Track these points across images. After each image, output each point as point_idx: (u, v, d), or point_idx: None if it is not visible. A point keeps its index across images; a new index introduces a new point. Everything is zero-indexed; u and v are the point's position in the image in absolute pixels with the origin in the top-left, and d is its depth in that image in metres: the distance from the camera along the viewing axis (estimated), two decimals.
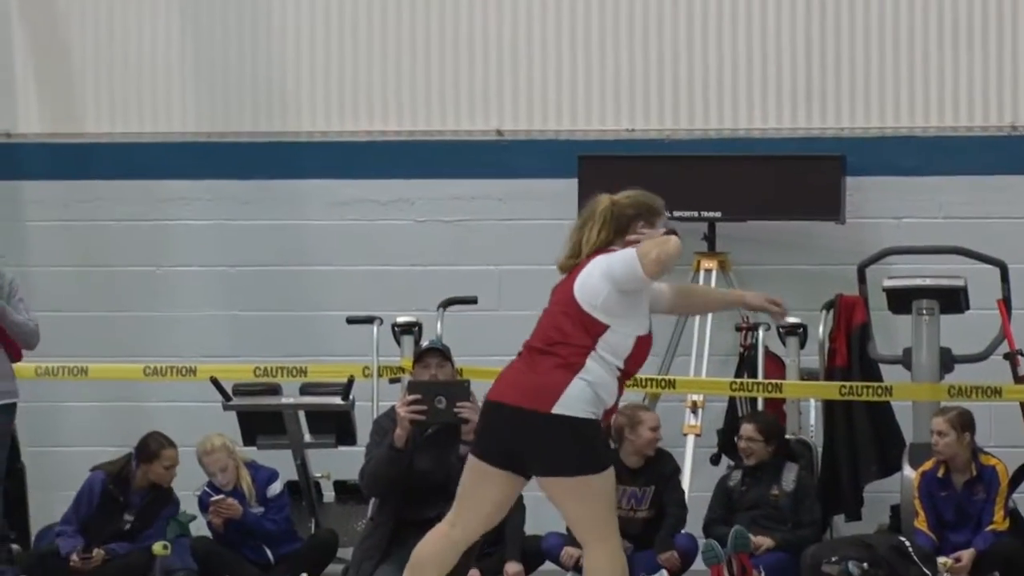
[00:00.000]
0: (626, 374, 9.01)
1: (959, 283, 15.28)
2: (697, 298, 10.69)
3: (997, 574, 14.58)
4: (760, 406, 15.37)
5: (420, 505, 12.92)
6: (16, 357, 13.74)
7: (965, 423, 14.63)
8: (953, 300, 15.41)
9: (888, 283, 15.27)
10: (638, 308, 9.01)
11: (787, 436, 15.35)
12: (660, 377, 15.53)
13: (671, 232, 8.96)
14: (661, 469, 14.44)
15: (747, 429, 14.51)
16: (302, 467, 15.72)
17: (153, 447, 14.64)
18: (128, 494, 14.85)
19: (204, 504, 14.61)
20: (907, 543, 13.98)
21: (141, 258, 17.29)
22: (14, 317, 13.54)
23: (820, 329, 15.39)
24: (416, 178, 16.59)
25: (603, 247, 8.89)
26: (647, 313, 9.11)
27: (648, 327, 9.01)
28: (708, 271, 16.08)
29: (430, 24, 17.13)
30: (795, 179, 16.55)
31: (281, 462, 15.61)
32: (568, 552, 14.68)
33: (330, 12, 17.27)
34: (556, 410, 8.88)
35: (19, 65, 17.74)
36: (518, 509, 14.84)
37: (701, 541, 14.30)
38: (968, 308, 15.58)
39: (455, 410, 13.09)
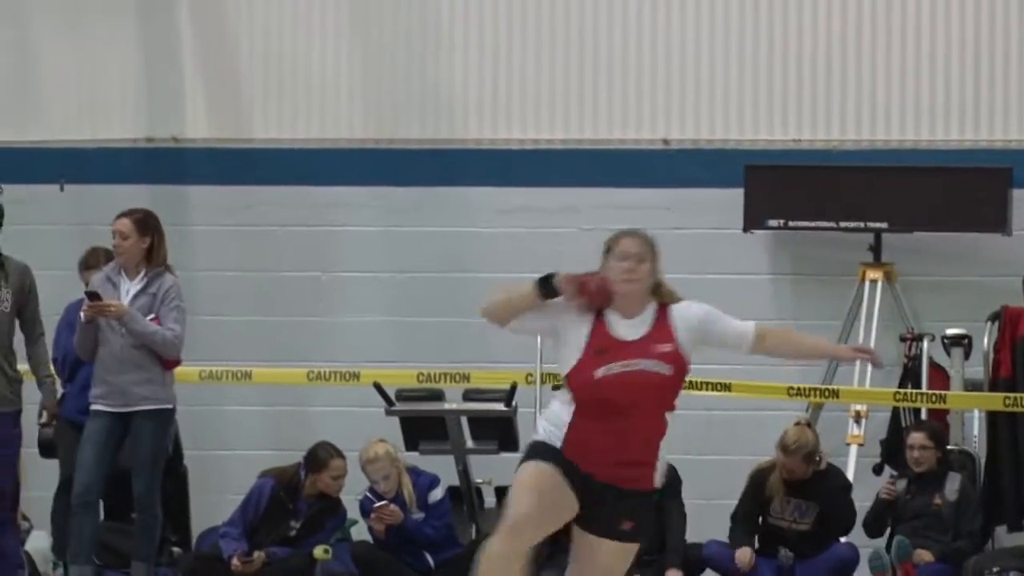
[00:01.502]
0: (578, 405, 8.77)
1: None
2: (789, 346, 10.10)
3: None
4: (924, 417, 15.32)
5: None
6: (167, 365, 13.91)
7: None
8: None
9: None
10: (559, 349, 8.99)
11: (949, 447, 15.41)
12: (824, 387, 15.58)
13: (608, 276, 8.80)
14: (829, 484, 14.63)
15: (917, 437, 14.59)
16: (464, 473, 15.81)
17: (322, 457, 14.88)
18: (296, 501, 15.10)
19: (366, 510, 14.74)
20: None
21: (306, 263, 17.63)
22: (136, 327, 13.73)
23: (984, 340, 15.28)
24: (582, 186, 16.68)
25: None
26: (572, 353, 8.79)
27: (573, 364, 8.68)
28: (873, 282, 16.07)
29: (599, 33, 17.26)
30: (962, 191, 16.58)
31: (443, 467, 15.71)
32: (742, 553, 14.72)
33: (498, 21, 17.47)
34: None
35: (187, 71, 18.11)
36: (680, 516, 15.11)
37: (864, 550, 14.23)
38: None
39: None
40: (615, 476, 8.66)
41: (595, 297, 8.64)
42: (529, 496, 8.55)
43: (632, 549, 9.08)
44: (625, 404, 8.58)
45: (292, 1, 18.40)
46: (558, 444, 8.52)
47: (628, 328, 8.58)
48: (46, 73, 18.64)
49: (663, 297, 8.68)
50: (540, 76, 17.81)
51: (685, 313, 8.69)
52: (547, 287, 8.62)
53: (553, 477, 8.52)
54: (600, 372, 8.54)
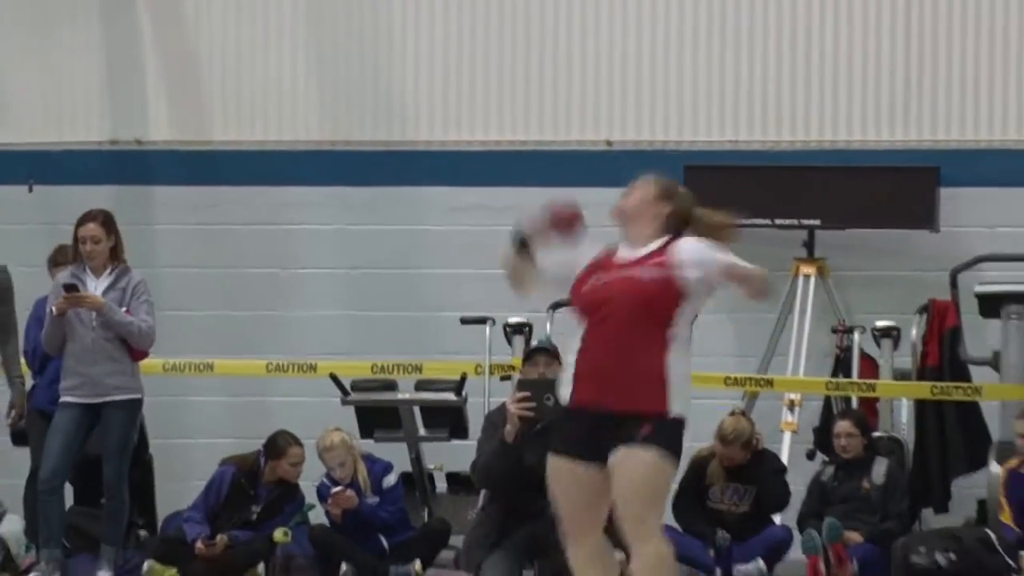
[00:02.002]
0: (579, 325, 9.52)
1: None
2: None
3: None
4: (855, 405, 15.98)
5: (528, 498, 13.17)
6: (136, 356, 14.35)
7: None
8: None
9: (979, 288, 15.91)
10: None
11: (879, 433, 15.95)
12: (759, 376, 16.35)
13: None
14: (765, 467, 15.03)
15: (843, 425, 15.10)
16: (416, 460, 16.32)
17: (281, 444, 15.19)
18: (257, 487, 15.40)
19: (323, 495, 14.99)
20: (993, 536, 14.48)
21: (266, 260, 18.16)
22: (115, 317, 14.17)
23: (913, 332, 16.07)
24: (529, 186, 16.64)
25: None
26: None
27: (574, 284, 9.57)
28: (807, 276, 16.57)
29: (544, 37, 17.93)
30: (892, 189, 17.06)
31: (396, 455, 16.06)
32: None
33: (448, 26, 18.02)
34: None
35: (150, 75, 18.64)
36: None
37: (797, 534, 14.83)
38: None
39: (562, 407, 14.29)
40: (611, 398, 9.02)
41: (560, 221, 9.19)
42: (563, 503, 9.26)
43: (652, 459, 9.15)
44: (601, 304, 9.10)
45: (250, 6, 18.78)
46: (567, 391, 9.12)
47: (627, 252, 9.17)
48: (13, 78, 18.98)
49: (691, 231, 9.16)
50: (490, 80, 18.37)
51: (687, 245, 9.08)
52: (519, 240, 9.23)
53: (571, 472, 9.12)
54: (587, 284, 9.19)
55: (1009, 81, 18.21)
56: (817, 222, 17.18)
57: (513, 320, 16.41)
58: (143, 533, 15.68)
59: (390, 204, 18.27)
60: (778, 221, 17.05)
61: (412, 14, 18.69)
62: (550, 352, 13.91)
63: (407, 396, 16.43)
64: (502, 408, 13.77)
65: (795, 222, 17.08)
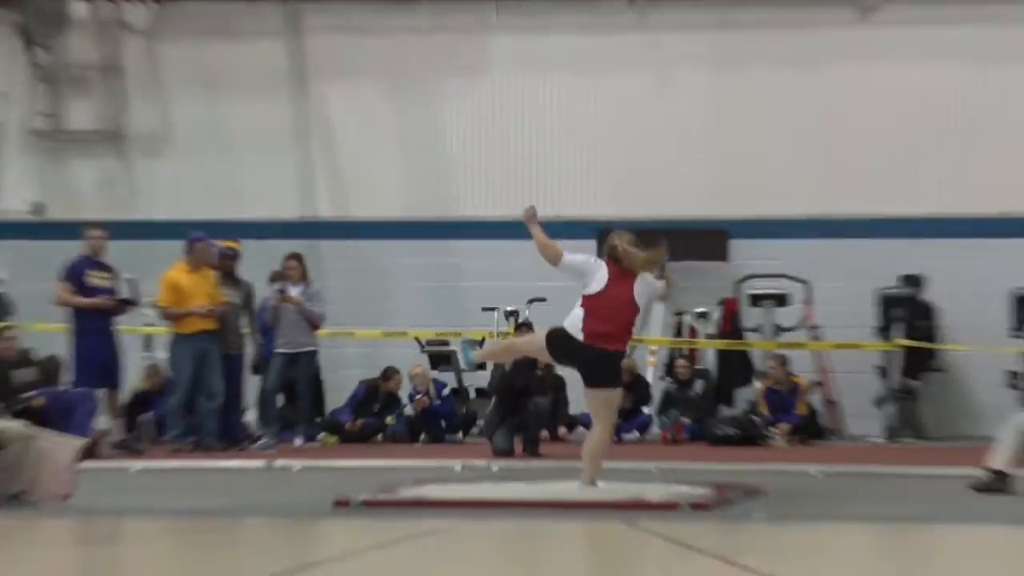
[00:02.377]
0: (589, 311, 10.75)
1: (785, 292, 17.94)
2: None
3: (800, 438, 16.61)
4: (685, 352, 17.62)
5: (515, 401, 15.20)
6: (313, 328, 16.23)
7: (784, 361, 17.10)
8: (783, 300, 17.98)
9: (749, 292, 18.17)
10: (587, 283, 10.80)
11: (699, 366, 17.57)
12: (637, 337, 15.97)
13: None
14: (640, 383, 16.87)
15: (682, 362, 17.35)
16: (459, 381, 18.01)
17: (389, 373, 17.35)
18: (376, 395, 17.39)
19: (412, 398, 17.20)
20: (757, 418, 16.63)
21: (380, 278, 19.14)
22: (304, 307, 15.96)
23: (716, 314, 17.98)
24: (520, 240, 15.40)
25: None
26: (597, 285, 10.67)
27: (597, 291, 10.63)
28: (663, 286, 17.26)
29: (560, 139, 17.99)
30: (706, 240, 18.47)
31: (449, 379, 17.71)
32: None
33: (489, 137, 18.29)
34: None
35: (320, 185, 19.23)
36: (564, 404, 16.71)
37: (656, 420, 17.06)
38: (789, 304, 17.70)
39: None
40: (604, 343, 10.66)
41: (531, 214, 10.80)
42: (536, 348, 11.12)
43: (610, 394, 10.99)
44: (615, 308, 10.57)
45: (363, 143, 19.06)
46: (580, 335, 10.57)
47: (619, 279, 10.48)
48: (245, 178, 18.82)
49: (638, 271, 10.56)
50: (505, 171, 18.74)
51: (642, 281, 10.66)
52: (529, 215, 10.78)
53: (547, 348, 10.86)
54: (609, 295, 10.57)
55: (767, 182, 18.30)
56: (667, 257, 17.02)
57: (508, 309, 17.51)
58: (318, 420, 17.11)
59: (441, 253, 19.11)
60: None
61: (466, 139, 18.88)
62: (529, 326, 15.59)
63: (455, 348, 17.73)
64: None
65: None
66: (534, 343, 12.21)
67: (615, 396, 11.39)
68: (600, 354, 11.06)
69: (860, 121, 18.27)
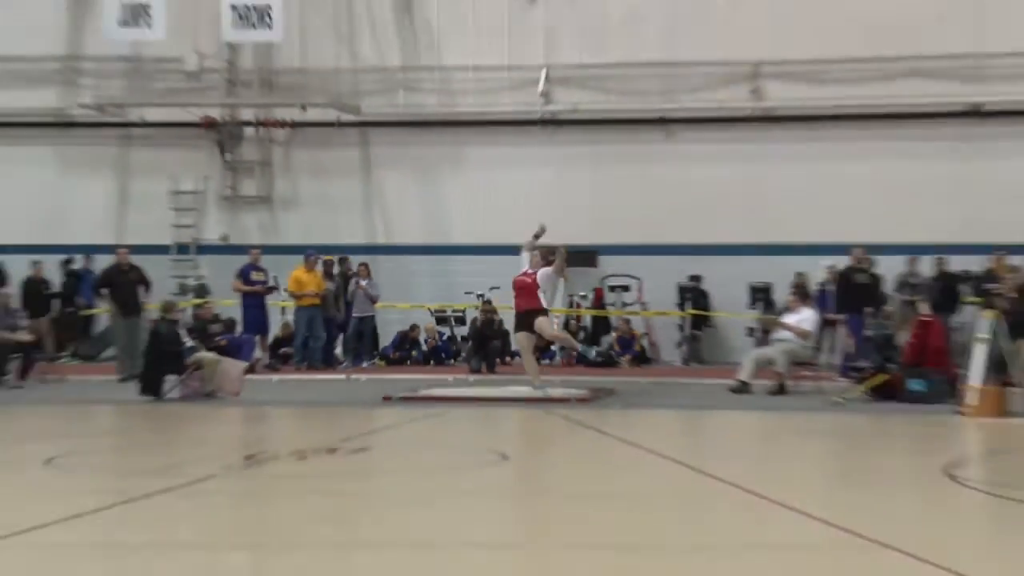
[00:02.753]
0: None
1: (628, 283, 17.54)
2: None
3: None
4: (575, 316, 17.75)
5: (486, 342, 15.59)
6: (373, 302, 16.51)
7: (628, 321, 16.87)
8: (626, 288, 17.53)
9: (608, 284, 17.65)
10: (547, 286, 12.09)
11: (583, 324, 17.71)
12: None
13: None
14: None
15: (572, 323, 17.11)
16: (452, 331, 17.37)
17: (413, 327, 17.02)
18: (406, 340, 17.08)
19: (426, 341, 16.99)
20: (613, 352, 16.53)
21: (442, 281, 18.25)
22: (370, 292, 16.23)
23: (591, 296, 17.50)
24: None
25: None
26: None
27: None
28: (564, 280, 14.82)
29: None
30: (583, 256, 16.83)
31: (446, 331, 17.77)
32: None
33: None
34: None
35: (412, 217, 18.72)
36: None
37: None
38: (630, 290, 17.59)
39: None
40: (522, 308, 11.64)
41: (540, 233, 11.79)
42: (525, 343, 11.84)
43: (544, 319, 11.84)
44: (519, 288, 11.65)
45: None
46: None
47: (530, 274, 11.63)
48: (337, 221, 18.38)
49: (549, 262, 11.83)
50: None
51: (542, 273, 11.64)
52: (537, 234, 11.69)
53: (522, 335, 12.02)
54: (517, 279, 11.77)
55: (616, 224, 17.51)
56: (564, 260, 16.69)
57: (478, 292, 16.96)
58: (375, 353, 17.27)
59: (442, 263, 18.17)
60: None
61: None
62: (489, 302, 16.18)
63: (449, 315, 17.80)
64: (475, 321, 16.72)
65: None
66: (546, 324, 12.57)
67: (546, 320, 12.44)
68: (522, 313, 12.27)
69: (669, 194, 17.82)
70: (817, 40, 17.73)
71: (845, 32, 17.66)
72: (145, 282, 15.32)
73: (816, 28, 17.77)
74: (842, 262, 15.93)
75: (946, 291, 15.53)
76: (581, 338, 17.84)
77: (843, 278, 15.32)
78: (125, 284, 15.07)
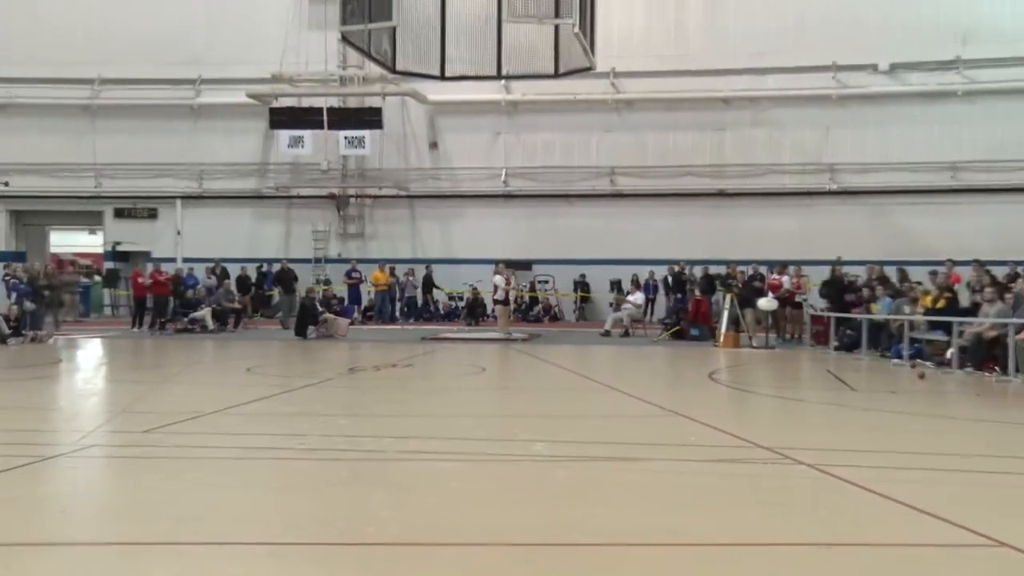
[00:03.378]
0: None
1: (529, 284, 22.85)
2: None
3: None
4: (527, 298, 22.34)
5: (474, 309, 21.16)
6: (415, 289, 21.49)
7: (548, 300, 21.15)
8: (547, 282, 23.39)
9: (538, 280, 23.50)
10: None
11: (525, 302, 22.67)
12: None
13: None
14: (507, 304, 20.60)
15: (519, 301, 20.91)
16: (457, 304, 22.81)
17: (438, 300, 20.62)
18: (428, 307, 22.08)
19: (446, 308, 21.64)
20: (542, 315, 21.79)
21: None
22: (412, 283, 20.04)
23: (526, 285, 23.01)
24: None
25: None
26: None
27: None
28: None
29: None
30: (521, 265, 22.63)
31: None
32: None
33: None
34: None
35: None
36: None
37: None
38: (550, 283, 23.52)
39: None
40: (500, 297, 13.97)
41: None
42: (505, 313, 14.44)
43: (503, 308, 14.99)
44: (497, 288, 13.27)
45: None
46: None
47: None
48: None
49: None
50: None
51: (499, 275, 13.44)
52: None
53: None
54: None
55: (545, 244, 23.75)
56: (513, 269, 21.13)
57: (471, 283, 22.38)
58: (415, 313, 22.87)
59: (450, 267, 24.53)
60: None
61: None
62: (475, 290, 21.90)
63: (453, 297, 23.66)
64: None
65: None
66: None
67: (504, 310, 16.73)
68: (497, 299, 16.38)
69: (568, 233, 24.23)
70: None
71: None
72: (295, 278, 21.60)
73: None
74: (661, 270, 21.58)
75: (709, 283, 19.87)
76: (524, 306, 23.87)
77: (674, 277, 20.47)
78: (287, 279, 21.90)
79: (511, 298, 19.02)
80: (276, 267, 23.19)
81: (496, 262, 20.02)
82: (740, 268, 19.07)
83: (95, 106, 24.51)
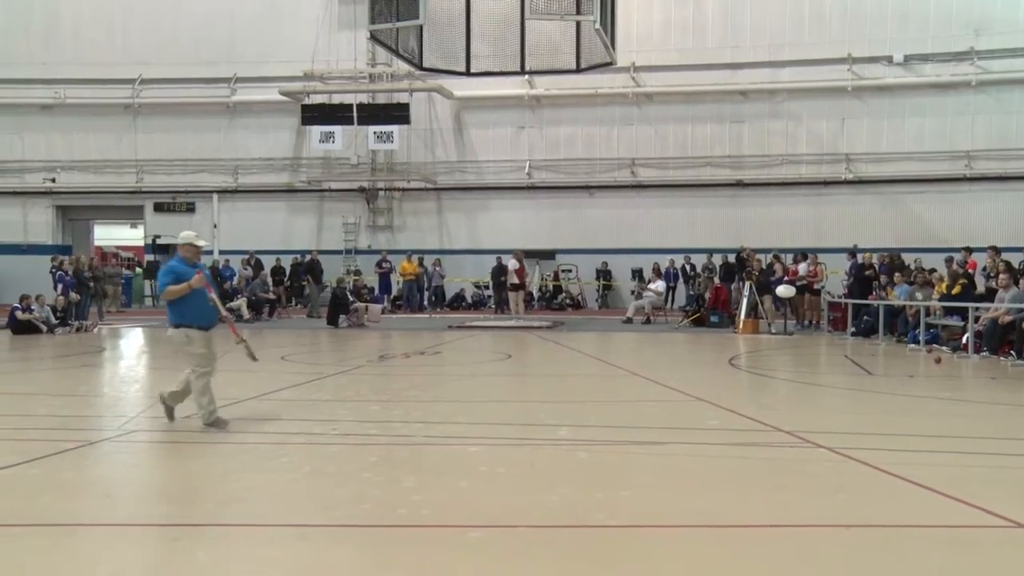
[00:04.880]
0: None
1: (571, 269, 22.47)
2: None
3: None
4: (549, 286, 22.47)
5: (502, 291, 19.64)
6: (443, 279, 20.93)
7: (572, 288, 20.17)
8: (569, 271, 22.71)
9: (562, 270, 22.89)
10: None
11: (550, 289, 22.40)
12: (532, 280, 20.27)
13: None
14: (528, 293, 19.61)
15: (545, 288, 21.01)
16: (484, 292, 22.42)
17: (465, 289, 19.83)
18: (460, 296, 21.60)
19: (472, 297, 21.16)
20: (566, 302, 21.39)
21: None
22: (440, 272, 19.73)
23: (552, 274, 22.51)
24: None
25: None
26: None
27: None
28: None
29: None
30: (544, 255, 22.26)
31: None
32: None
33: None
34: None
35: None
36: None
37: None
38: (573, 272, 22.77)
39: None
40: (518, 282, 13.42)
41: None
42: None
43: (516, 293, 14.11)
44: (515, 273, 13.33)
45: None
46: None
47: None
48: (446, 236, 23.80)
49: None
50: None
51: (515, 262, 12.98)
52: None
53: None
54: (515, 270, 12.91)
55: (567, 235, 23.06)
56: (537, 259, 21.89)
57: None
58: (444, 303, 22.45)
59: (476, 257, 23.71)
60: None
61: None
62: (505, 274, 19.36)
63: (475, 286, 22.89)
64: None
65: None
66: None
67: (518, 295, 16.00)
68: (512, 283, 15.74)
69: (591, 223, 23.51)
70: None
71: None
72: (322, 269, 20.75)
73: None
74: (678, 259, 21.63)
75: (728, 271, 19.90)
76: (549, 295, 23.05)
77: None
78: (317, 270, 20.99)
79: (527, 283, 18.82)
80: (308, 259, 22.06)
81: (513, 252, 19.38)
82: (758, 255, 18.63)
83: (137, 105, 24.51)
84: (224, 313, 6.75)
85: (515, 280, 17.70)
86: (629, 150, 23.90)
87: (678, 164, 23.39)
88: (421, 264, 23.15)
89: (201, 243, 6.83)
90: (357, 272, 22.51)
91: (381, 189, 25.08)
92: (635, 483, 4.90)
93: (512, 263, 17.79)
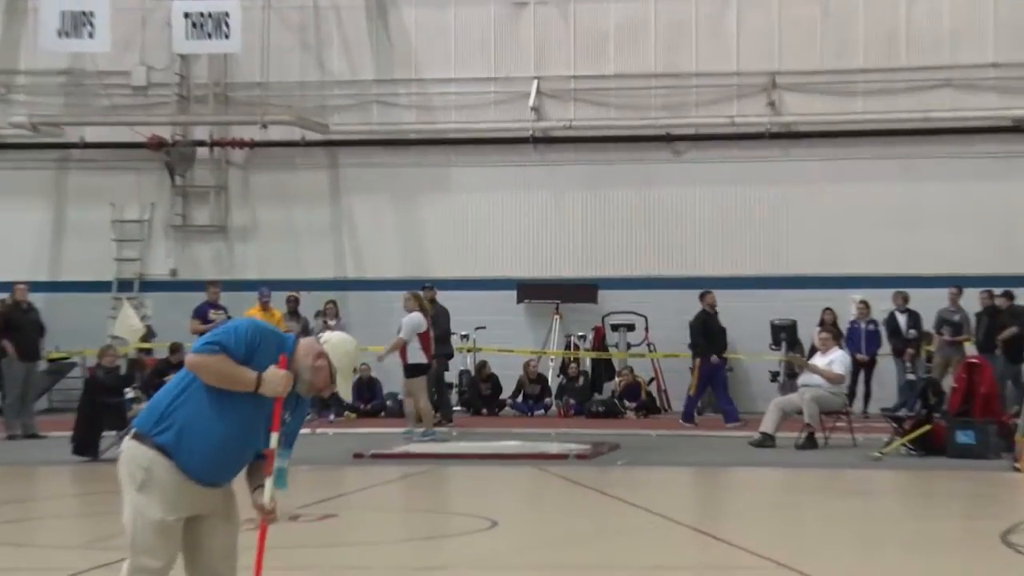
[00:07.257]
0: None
1: (632, 322, 15.61)
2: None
3: None
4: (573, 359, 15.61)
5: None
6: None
7: (631, 369, 15.06)
8: (631, 327, 15.72)
9: (611, 322, 15.70)
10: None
11: (582, 369, 15.74)
12: (543, 350, 15.59)
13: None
14: (543, 380, 15.21)
15: (572, 366, 15.26)
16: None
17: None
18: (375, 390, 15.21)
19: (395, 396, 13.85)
20: (616, 401, 14.97)
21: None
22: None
23: (591, 336, 15.74)
24: None
25: None
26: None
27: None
28: (557, 318, 15.81)
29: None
30: (588, 290, 16.27)
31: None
32: None
33: None
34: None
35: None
36: None
37: None
38: (634, 330, 15.75)
39: None
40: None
41: None
42: None
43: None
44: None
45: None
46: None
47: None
48: (301, 253, 17.26)
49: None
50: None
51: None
52: None
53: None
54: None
55: (616, 257, 16.18)
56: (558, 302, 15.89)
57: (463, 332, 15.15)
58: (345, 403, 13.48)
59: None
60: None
61: None
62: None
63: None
64: None
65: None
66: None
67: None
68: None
69: (676, 219, 16.56)
70: (838, 49, 15.75)
71: (868, 41, 15.75)
72: (41, 326, 13.31)
73: (836, 37, 15.79)
74: (873, 295, 13.99)
75: (994, 329, 13.47)
76: (581, 384, 15.11)
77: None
78: (27, 324, 13.03)
79: (433, 360, 13.15)
80: (36, 299, 14.66)
81: (425, 285, 14.02)
82: None
83: None
84: None
85: (416, 356, 12.20)
86: (759, 53, 15.58)
87: (870, 85, 15.77)
88: (296, 314, 15.06)
89: None
90: (218, 312, 15.13)
91: (202, 143, 17.14)
92: None
93: (409, 318, 12.13)
